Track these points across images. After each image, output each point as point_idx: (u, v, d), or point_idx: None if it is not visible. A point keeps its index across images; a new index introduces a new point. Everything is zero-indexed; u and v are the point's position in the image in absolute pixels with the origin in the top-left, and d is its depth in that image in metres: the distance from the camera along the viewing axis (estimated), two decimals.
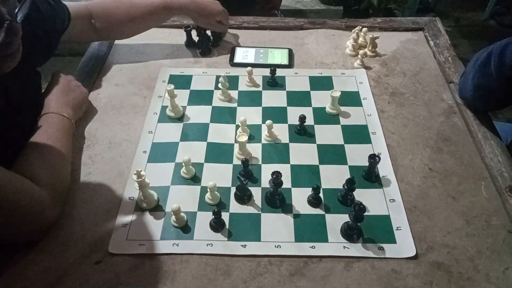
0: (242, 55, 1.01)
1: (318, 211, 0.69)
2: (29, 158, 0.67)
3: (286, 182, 0.71)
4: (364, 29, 1.03)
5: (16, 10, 0.55)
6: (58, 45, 0.85)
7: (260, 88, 0.92)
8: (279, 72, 0.93)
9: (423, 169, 0.75)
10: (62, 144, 0.72)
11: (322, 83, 0.93)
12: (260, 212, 0.69)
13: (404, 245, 0.64)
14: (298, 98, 0.90)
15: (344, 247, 0.64)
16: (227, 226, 0.67)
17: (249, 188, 0.71)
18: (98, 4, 0.93)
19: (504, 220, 0.67)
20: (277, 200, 0.69)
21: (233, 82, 0.92)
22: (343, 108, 0.87)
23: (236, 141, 0.79)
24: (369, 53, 1.00)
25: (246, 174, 0.73)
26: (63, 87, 0.81)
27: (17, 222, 0.61)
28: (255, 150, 0.79)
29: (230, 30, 1.09)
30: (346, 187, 0.68)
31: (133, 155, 0.78)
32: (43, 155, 0.68)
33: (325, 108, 0.87)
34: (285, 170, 0.72)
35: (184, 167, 0.73)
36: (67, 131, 0.74)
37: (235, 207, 0.70)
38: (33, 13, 0.73)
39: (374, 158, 0.71)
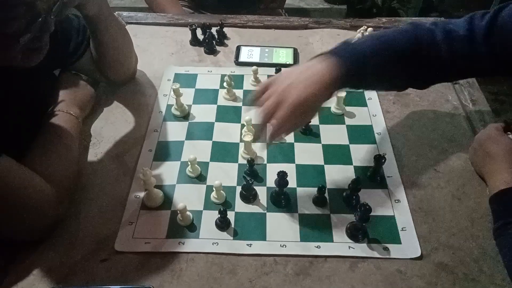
0: (247, 54, 1.01)
1: (324, 211, 0.69)
2: (36, 154, 0.67)
3: (291, 182, 0.71)
4: (369, 29, 1.02)
5: (53, 7, 0.56)
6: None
7: None
8: None
9: (428, 170, 0.75)
10: (69, 142, 0.72)
11: None
12: (265, 211, 0.69)
13: (409, 245, 0.64)
14: None
15: (349, 247, 0.64)
16: (232, 225, 0.67)
17: (255, 187, 0.71)
18: None
19: None
20: (282, 199, 0.70)
21: (238, 81, 0.92)
22: (348, 108, 0.87)
23: (241, 140, 0.80)
24: None
25: (252, 173, 0.73)
26: (70, 86, 0.81)
27: (23, 216, 0.61)
28: (260, 149, 0.79)
29: (235, 29, 1.09)
30: (351, 187, 0.68)
31: (139, 153, 0.78)
32: (50, 152, 0.68)
33: (330, 108, 0.87)
34: (290, 170, 0.73)
35: (189, 165, 0.73)
36: (73, 129, 0.74)
37: (240, 206, 0.70)
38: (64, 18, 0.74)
39: (379, 159, 0.71)
